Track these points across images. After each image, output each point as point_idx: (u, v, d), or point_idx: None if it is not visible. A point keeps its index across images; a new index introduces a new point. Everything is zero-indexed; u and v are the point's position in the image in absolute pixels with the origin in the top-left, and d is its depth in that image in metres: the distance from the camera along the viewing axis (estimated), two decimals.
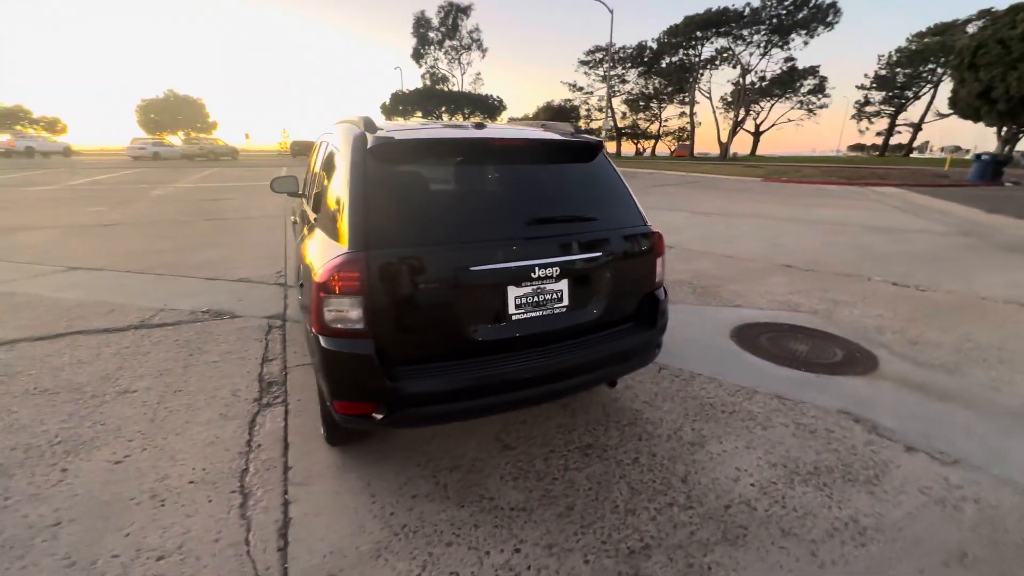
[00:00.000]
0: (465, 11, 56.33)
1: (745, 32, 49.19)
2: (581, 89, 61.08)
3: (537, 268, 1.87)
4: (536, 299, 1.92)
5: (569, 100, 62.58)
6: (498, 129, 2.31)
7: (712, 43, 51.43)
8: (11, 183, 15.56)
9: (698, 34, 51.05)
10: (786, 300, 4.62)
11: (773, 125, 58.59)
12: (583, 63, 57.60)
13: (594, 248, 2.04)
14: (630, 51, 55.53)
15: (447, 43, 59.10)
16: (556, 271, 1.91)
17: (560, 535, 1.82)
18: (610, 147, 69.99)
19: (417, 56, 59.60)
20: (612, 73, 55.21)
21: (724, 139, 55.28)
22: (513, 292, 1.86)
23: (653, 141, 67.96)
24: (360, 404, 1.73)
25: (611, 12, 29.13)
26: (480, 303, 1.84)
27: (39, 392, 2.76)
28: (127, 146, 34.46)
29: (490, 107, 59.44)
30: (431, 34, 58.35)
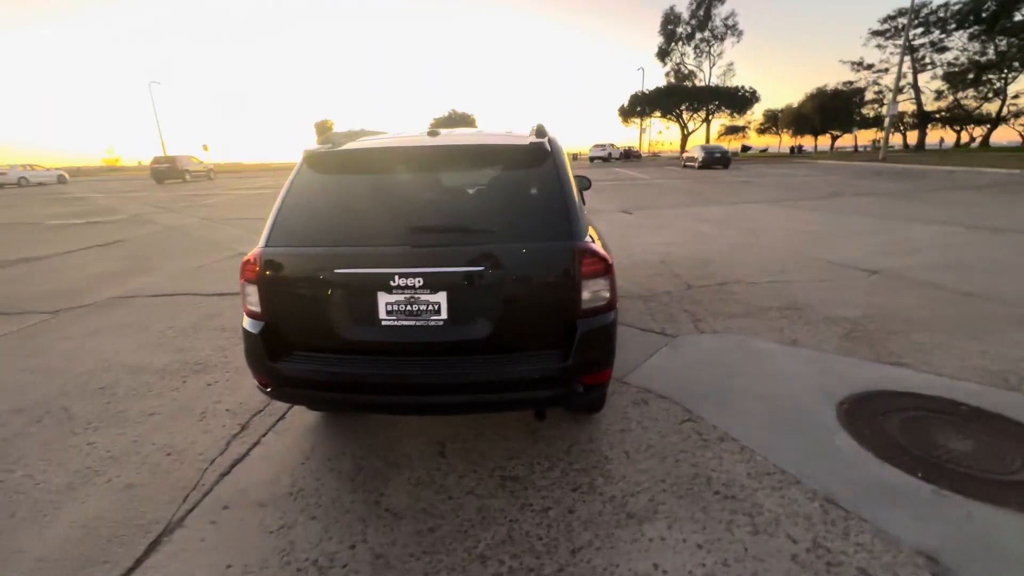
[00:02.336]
0: None
1: None
2: (870, 67, 48.65)
3: (397, 276, 1.83)
4: (409, 308, 1.87)
5: (850, 82, 50.75)
6: (444, 137, 2.28)
7: None
8: None
9: None
10: (1007, 371, 2.96)
11: None
12: (877, 33, 45.60)
13: (477, 262, 1.85)
14: (957, 6, 41.05)
15: (696, 36, 55.39)
16: (419, 281, 1.83)
17: (399, 551, 1.78)
18: (911, 138, 53.95)
19: (662, 55, 57.78)
20: (918, 41, 42.16)
21: None
22: (384, 298, 1.87)
23: (987, 127, 48.94)
24: (258, 376, 2.05)
25: None
26: (350, 304, 1.92)
27: None
28: None
29: (740, 100, 53.32)
30: (679, 29, 55.64)
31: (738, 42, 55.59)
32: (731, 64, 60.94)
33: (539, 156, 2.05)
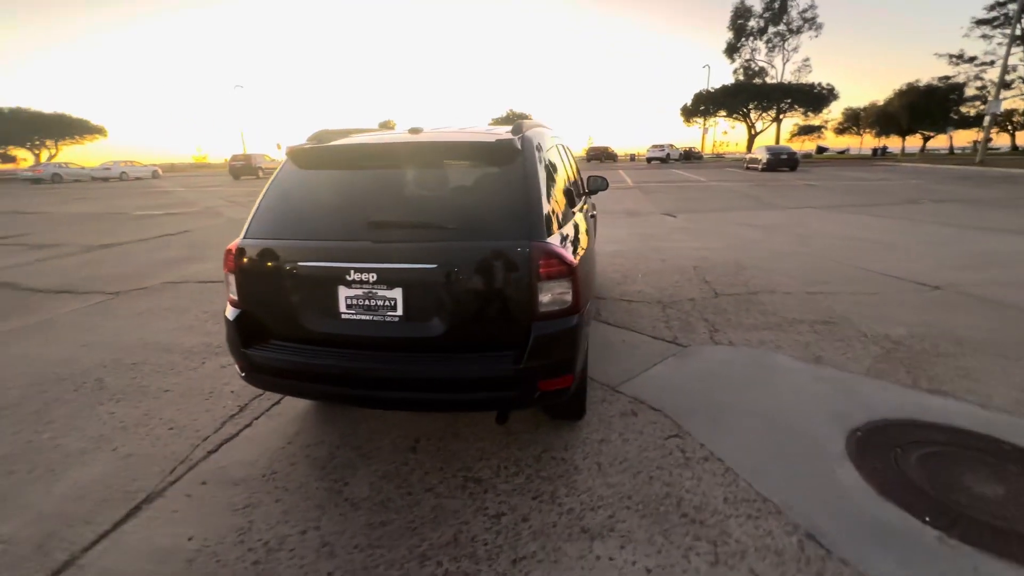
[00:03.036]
0: None
1: None
2: (971, 60, 43.66)
3: (353, 271, 1.84)
4: (367, 303, 1.88)
5: (947, 77, 45.81)
6: (424, 134, 2.27)
7: None
8: None
9: None
10: None
11: None
12: (982, 22, 40.80)
13: (430, 259, 1.82)
14: None
15: (769, 30, 52.21)
16: (374, 276, 1.83)
17: (346, 541, 1.80)
18: (1020, 139, 48.04)
19: (731, 51, 54.97)
20: None
21: None
22: (344, 292, 1.89)
23: None
24: (236, 361, 2.15)
25: None
26: (314, 297, 1.95)
27: None
28: None
29: (816, 97, 49.68)
30: (751, 23, 52.69)
31: (816, 36, 51.61)
32: (807, 59, 56.29)
33: (506, 154, 2.01)
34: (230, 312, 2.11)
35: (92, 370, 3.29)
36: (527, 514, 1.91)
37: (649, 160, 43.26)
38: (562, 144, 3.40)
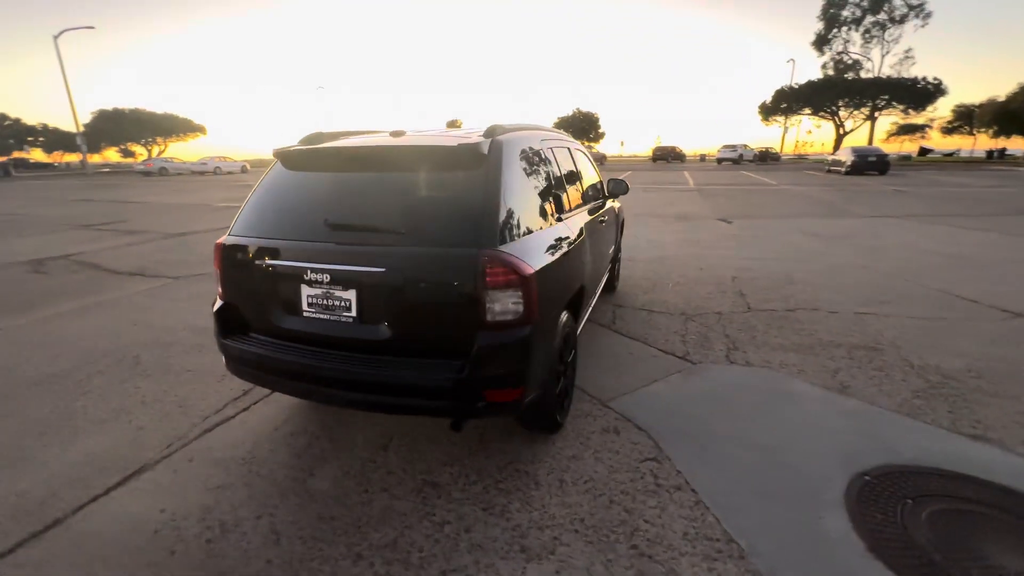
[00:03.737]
0: None
1: None
2: None
3: (310, 271, 1.88)
4: (326, 303, 1.92)
5: None
6: (404, 137, 2.27)
7: None
8: None
9: None
10: None
11: None
12: None
13: (379, 263, 1.83)
14: None
15: (867, 19, 47.50)
16: (327, 277, 1.86)
17: (293, 530, 1.86)
18: None
19: (820, 43, 50.63)
20: None
21: None
22: (306, 291, 1.94)
23: None
24: (221, 352, 2.28)
25: None
26: (280, 294, 2.02)
27: None
28: None
29: (919, 93, 44.63)
30: (845, 12, 48.21)
31: (923, 25, 46.22)
32: (909, 51, 50.39)
33: (469, 159, 1.98)
34: (216, 304, 2.26)
35: (133, 347, 3.66)
36: (471, 525, 1.88)
37: (719, 161, 41.07)
38: (570, 146, 3.29)
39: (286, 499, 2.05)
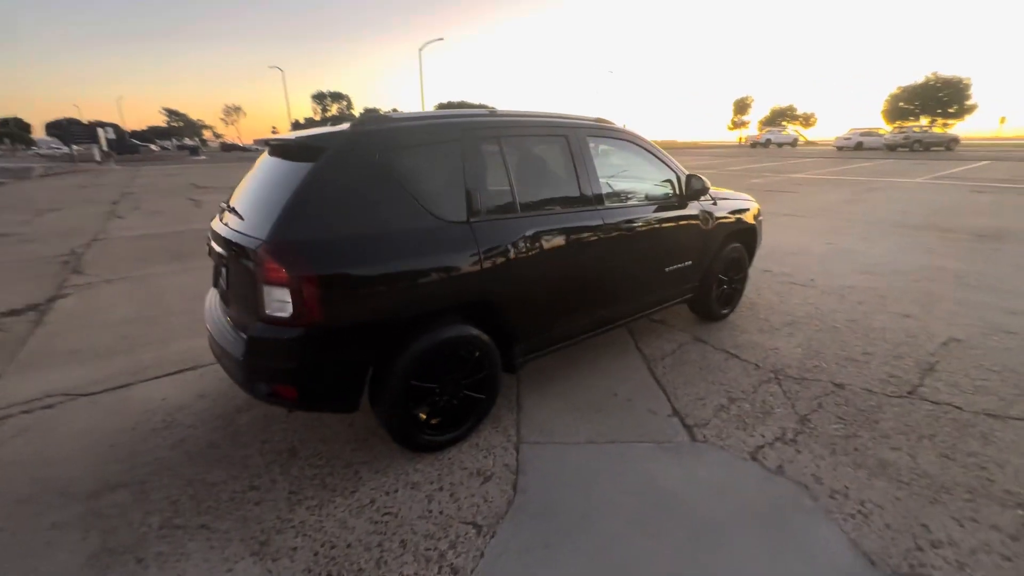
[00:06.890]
0: None
1: None
2: None
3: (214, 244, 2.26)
4: (223, 275, 2.26)
5: None
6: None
7: None
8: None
9: None
10: None
11: None
12: None
13: (228, 245, 2.04)
14: None
15: None
16: (214, 252, 2.22)
17: (178, 511, 1.94)
18: None
19: None
20: None
21: None
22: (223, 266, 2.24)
23: None
24: None
25: None
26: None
27: None
28: (837, 137, 35.87)
29: None
30: None
31: None
32: None
33: (311, 152, 1.97)
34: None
35: (150, 316, 4.13)
36: (218, 506, 1.94)
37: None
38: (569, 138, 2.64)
39: (189, 486, 2.15)
